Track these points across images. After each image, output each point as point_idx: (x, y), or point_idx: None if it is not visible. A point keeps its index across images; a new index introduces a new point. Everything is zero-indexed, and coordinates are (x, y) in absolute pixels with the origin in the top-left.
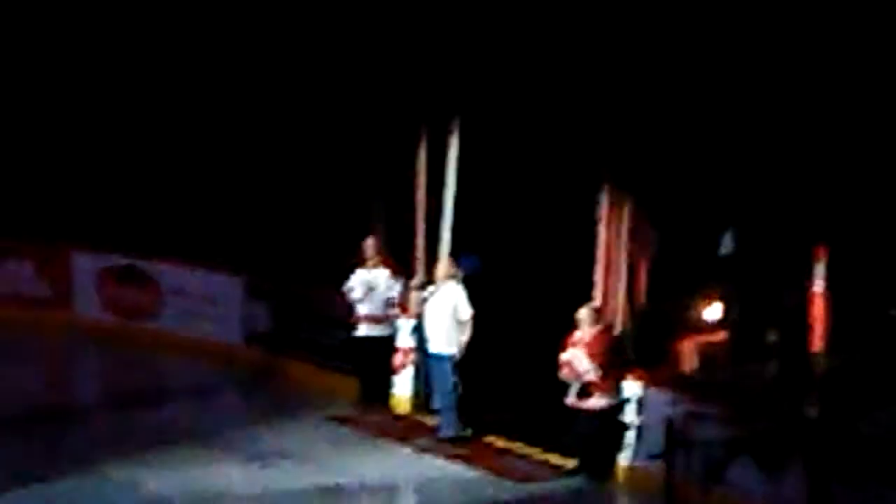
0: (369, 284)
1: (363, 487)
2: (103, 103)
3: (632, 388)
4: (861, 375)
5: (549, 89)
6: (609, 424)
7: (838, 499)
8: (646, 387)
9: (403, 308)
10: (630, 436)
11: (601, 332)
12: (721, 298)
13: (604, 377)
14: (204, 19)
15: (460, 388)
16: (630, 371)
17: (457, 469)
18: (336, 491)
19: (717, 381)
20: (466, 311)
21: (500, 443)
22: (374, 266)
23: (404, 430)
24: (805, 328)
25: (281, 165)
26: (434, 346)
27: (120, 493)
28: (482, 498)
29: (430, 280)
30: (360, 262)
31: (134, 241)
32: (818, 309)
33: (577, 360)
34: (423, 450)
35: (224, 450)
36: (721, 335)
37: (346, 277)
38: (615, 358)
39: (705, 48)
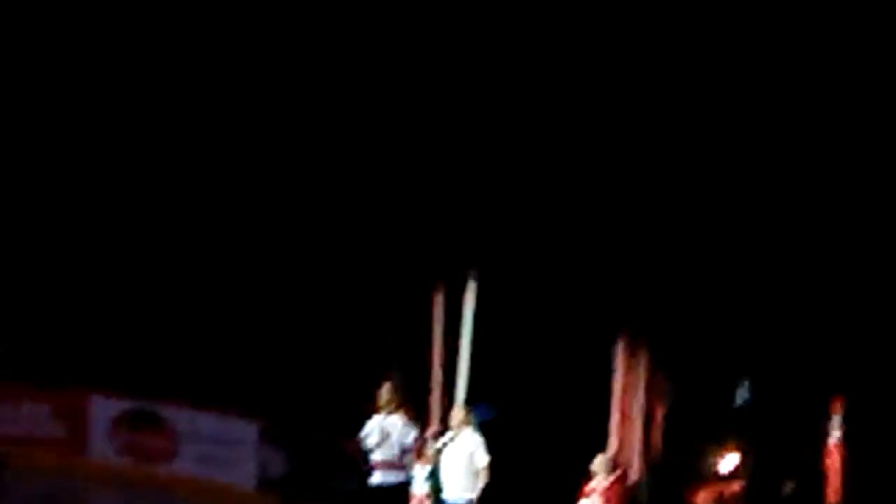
0: (385, 431)
1: None
2: (122, 242)
3: None
4: None
5: (566, 241)
6: None
7: None
8: None
9: (419, 455)
10: None
11: (616, 481)
12: (737, 449)
13: None
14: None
15: None
16: None
17: None
18: None
19: None
20: (483, 459)
21: None
22: (390, 412)
23: None
24: (821, 480)
25: (298, 312)
26: (450, 494)
27: None
28: None
29: (445, 427)
30: (376, 409)
31: (149, 385)
32: (834, 460)
33: None
34: None
35: None
36: (737, 486)
37: (362, 423)
38: None
39: (718, 198)
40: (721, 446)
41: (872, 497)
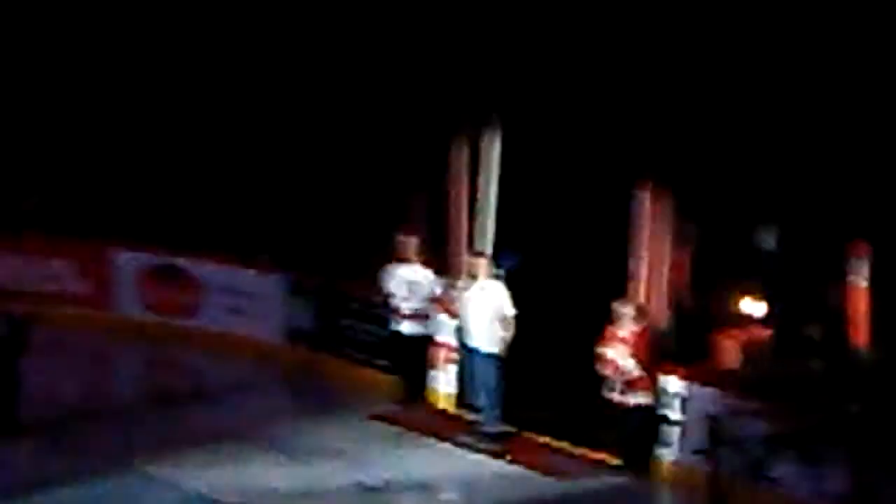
0: (411, 282)
1: (406, 484)
2: (146, 101)
3: (674, 384)
4: None
5: (591, 85)
6: (651, 421)
7: (883, 493)
8: (688, 383)
9: (444, 306)
10: (673, 432)
11: (644, 330)
12: (763, 294)
13: (646, 374)
14: (242, 15)
15: (503, 385)
16: (672, 367)
17: (498, 465)
18: (379, 487)
19: (760, 377)
20: (510, 310)
21: (542, 439)
22: (416, 263)
23: (446, 427)
24: (847, 323)
25: (323, 162)
26: (478, 344)
27: (161, 492)
28: (524, 494)
29: (470, 278)
30: (402, 260)
31: (175, 239)
32: (860, 304)
33: (620, 357)
34: (465, 446)
35: (266, 448)
36: (763, 331)
37: (388, 276)
38: (657, 355)
39: (745, 45)
40: (747, 292)
41: None
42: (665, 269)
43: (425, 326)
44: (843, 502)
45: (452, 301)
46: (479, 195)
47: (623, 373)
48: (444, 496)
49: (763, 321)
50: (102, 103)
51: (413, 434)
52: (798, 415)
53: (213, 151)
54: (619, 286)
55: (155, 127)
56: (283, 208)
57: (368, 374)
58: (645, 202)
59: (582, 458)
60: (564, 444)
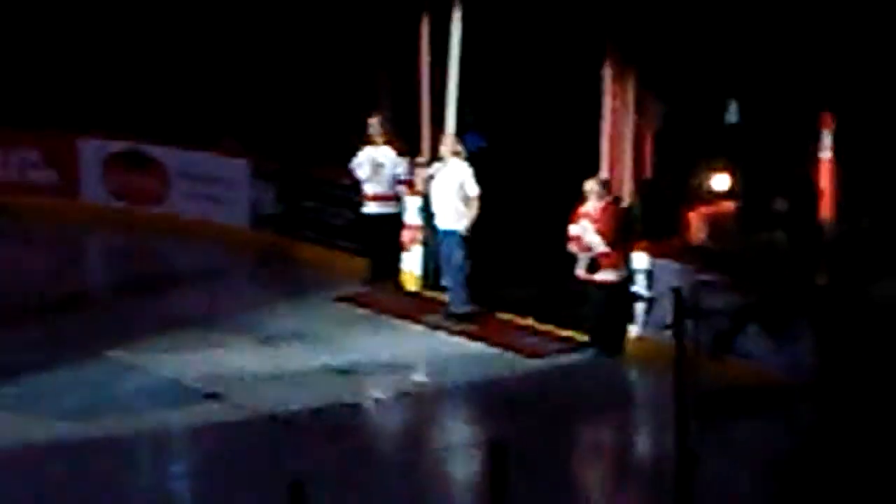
0: (376, 162)
1: (375, 365)
2: None
3: (641, 259)
4: (869, 242)
5: None
6: (619, 297)
7: (848, 364)
8: (655, 258)
9: (410, 186)
10: (640, 307)
11: (609, 205)
12: (728, 168)
13: (613, 250)
14: None
15: (469, 265)
16: (638, 243)
17: (467, 345)
18: (348, 369)
19: (726, 250)
20: (473, 189)
21: (510, 318)
22: (380, 144)
23: (414, 308)
24: (813, 196)
25: (285, 45)
26: (442, 223)
27: (131, 378)
28: (493, 373)
29: (435, 157)
30: (367, 141)
31: (140, 126)
32: (826, 176)
33: (586, 233)
34: (434, 327)
35: (235, 332)
36: (729, 205)
37: (353, 156)
38: (624, 230)
39: None
40: (713, 166)
41: (863, 211)
42: (629, 146)
43: (392, 207)
44: (808, 374)
45: (417, 180)
46: (443, 74)
47: (588, 248)
48: (413, 377)
49: (729, 195)
50: None
51: (381, 316)
52: (764, 287)
53: (175, 35)
54: (591, 164)
55: (117, 13)
56: (248, 91)
57: (337, 257)
58: (608, 78)
59: (551, 336)
60: (533, 323)
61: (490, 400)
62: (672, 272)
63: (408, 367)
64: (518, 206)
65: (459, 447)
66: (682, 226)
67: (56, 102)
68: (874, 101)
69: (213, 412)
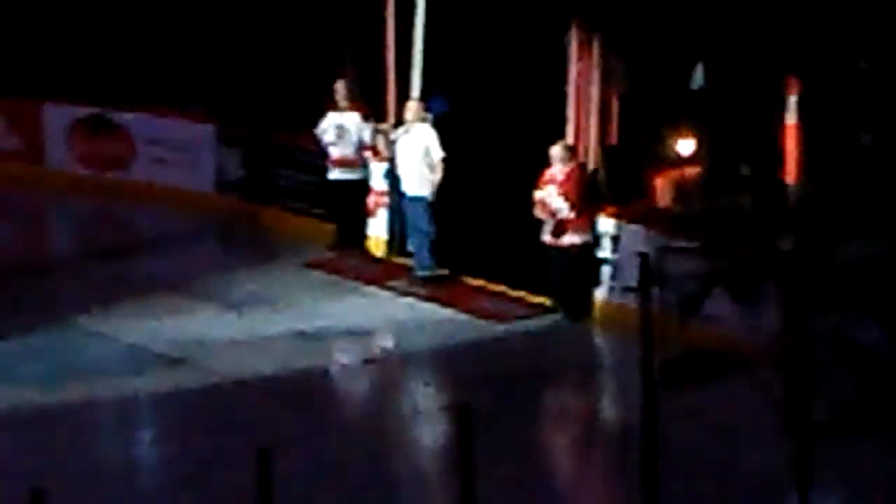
0: (341, 128)
1: (341, 330)
2: None
3: (606, 224)
4: (835, 205)
5: None
6: (584, 261)
7: (814, 328)
8: (620, 222)
9: (375, 151)
10: (605, 272)
11: (574, 170)
12: (693, 133)
13: (578, 214)
14: None
15: (435, 230)
16: (604, 207)
17: (433, 310)
18: (314, 334)
19: (691, 214)
20: (437, 153)
21: (477, 283)
22: (346, 109)
23: (380, 273)
24: (778, 160)
25: (251, 10)
26: (407, 188)
27: (96, 344)
28: (459, 338)
29: (400, 122)
30: (332, 106)
31: (104, 91)
32: (791, 140)
33: (551, 198)
34: (400, 292)
35: (201, 298)
36: (694, 169)
37: (319, 122)
38: (589, 195)
39: None
40: (678, 131)
41: (828, 176)
42: (595, 110)
43: (358, 173)
44: (775, 338)
45: (382, 145)
46: (408, 39)
47: (554, 213)
48: (380, 342)
49: (694, 159)
50: None
51: (348, 281)
52: (730, 251)
53: (141, 0)
54: (557, 129)
55: None
56: (214, 57)
57: (304, 222)
58: (573, 42)
59: (517, 300)
60: (500, 287)
61: (455, 365)
62: (637, 236)
63: (372, 332)
64: (484, 171)
65: (425, 412)
66: (648, 190)
67: (21, 67)
68: (839, 64)
69: (178, 378)
